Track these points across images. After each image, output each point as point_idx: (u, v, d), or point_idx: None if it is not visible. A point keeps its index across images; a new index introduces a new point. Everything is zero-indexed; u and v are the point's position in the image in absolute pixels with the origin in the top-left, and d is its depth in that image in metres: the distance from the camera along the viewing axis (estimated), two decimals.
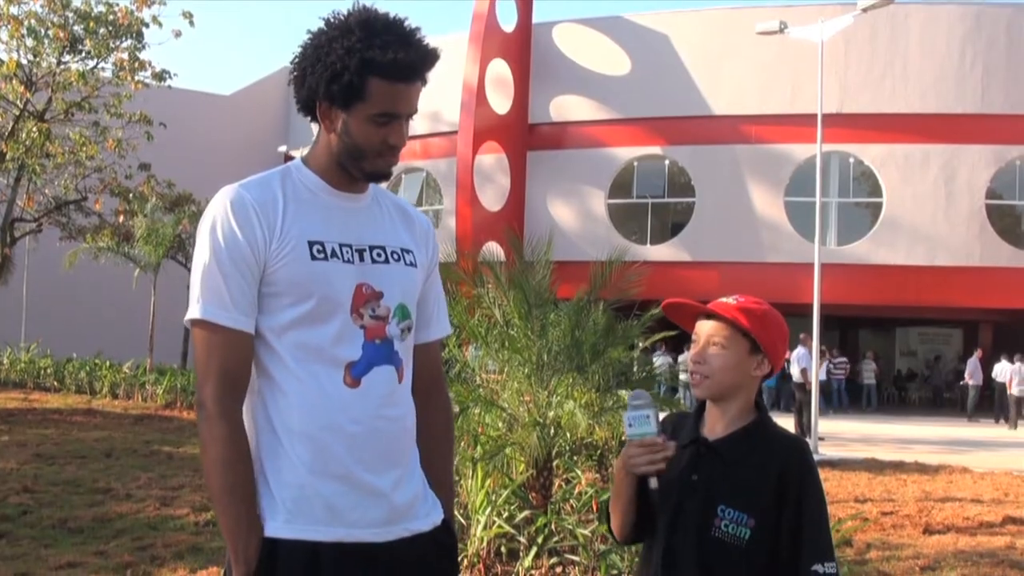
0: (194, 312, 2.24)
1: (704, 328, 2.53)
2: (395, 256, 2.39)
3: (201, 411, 2.20)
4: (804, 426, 18.37)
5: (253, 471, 2.23)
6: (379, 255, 2.36)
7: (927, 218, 26.68)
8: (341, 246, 2.30)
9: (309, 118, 2.36)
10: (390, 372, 2.33)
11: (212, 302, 2.22)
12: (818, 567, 2.36)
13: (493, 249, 20.69)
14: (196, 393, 2.24)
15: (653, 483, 2.43)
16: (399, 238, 2.43)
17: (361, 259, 2.32)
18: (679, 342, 22.62)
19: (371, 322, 2.31)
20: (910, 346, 36.74)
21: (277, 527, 2.20)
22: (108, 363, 22.44)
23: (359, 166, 2.32)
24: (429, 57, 2.27)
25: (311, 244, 2.26)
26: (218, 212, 2.24)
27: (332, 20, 2.27)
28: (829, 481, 12.40)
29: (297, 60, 2.30)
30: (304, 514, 2.22)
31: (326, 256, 2.27)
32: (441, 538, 2.43)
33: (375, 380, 2.30)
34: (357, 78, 2.20)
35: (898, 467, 14.45)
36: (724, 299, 2.55)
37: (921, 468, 14.40)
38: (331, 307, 2.26)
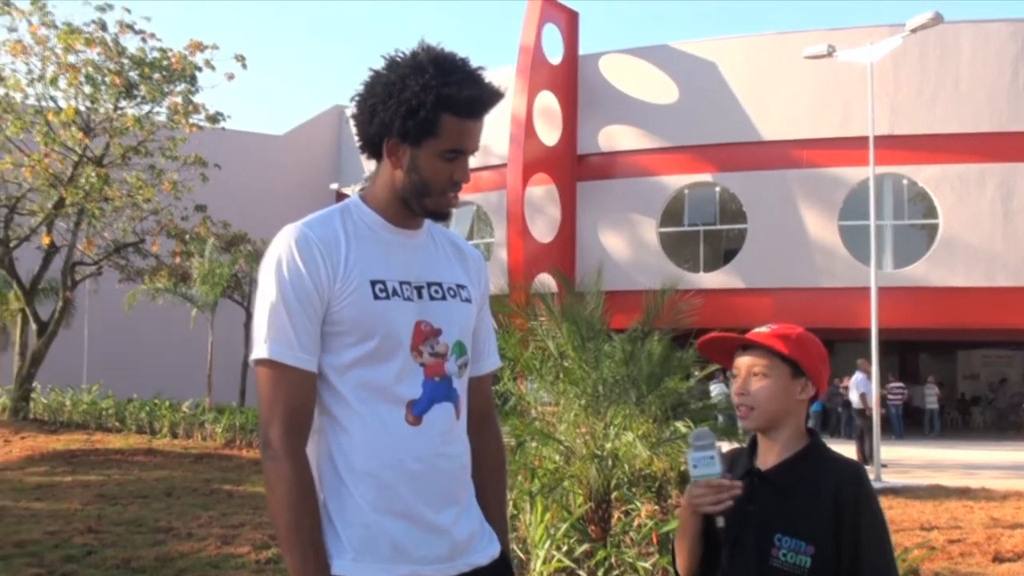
0: (260, 351, 2.23)
1: (743, 360, 2.53)
2: (451, 292, 2.41)
3: (267, 450, 2.21)
4: (866, 453, 18.09)
5: (319, 510, 2.23)
6: (436, 292, 2.37)
7: (985, 238, 26.28)
8: (401, 284, 2.31)
9: (366, 155, 2.38)
10: (449, 409, 2.35)
11: (278, 341, 2.22)
12: None
13: (545, 281, 20.72)
14: (261, 433, 2.23)
15: (720, 522, 2.43)
16: (454, 274, 2.45)
17: (419, 296, 2.34)
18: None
19: (430, 359, 2.32)
20: (972, 369, 36.14)
21: (344, 565, 2.21)
22: (168, 403, 22.66)
23: (422, 203, 2.34)
24: (496, 95, 2.32)
25: (373, 283, 2.28)
26: (283, 250, 2.25)
27: (400, 58, 2.29)
28: (893, 509, 12.19)
29: (363, 97, 2.31)
30: (371, 552, 2.23)
31: (387, 295, 2.28)
32: (499, 570, 2.44)
33: (435, 418, 2.31)
34: (432, 114, 2.23)
35: (964, 493, 14.16)
36: (758, 329, 2.55)
37: (988, 494, 14.10)
38: (393, 345, 2.27)
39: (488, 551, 2.42)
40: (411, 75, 2.23)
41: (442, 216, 2.39)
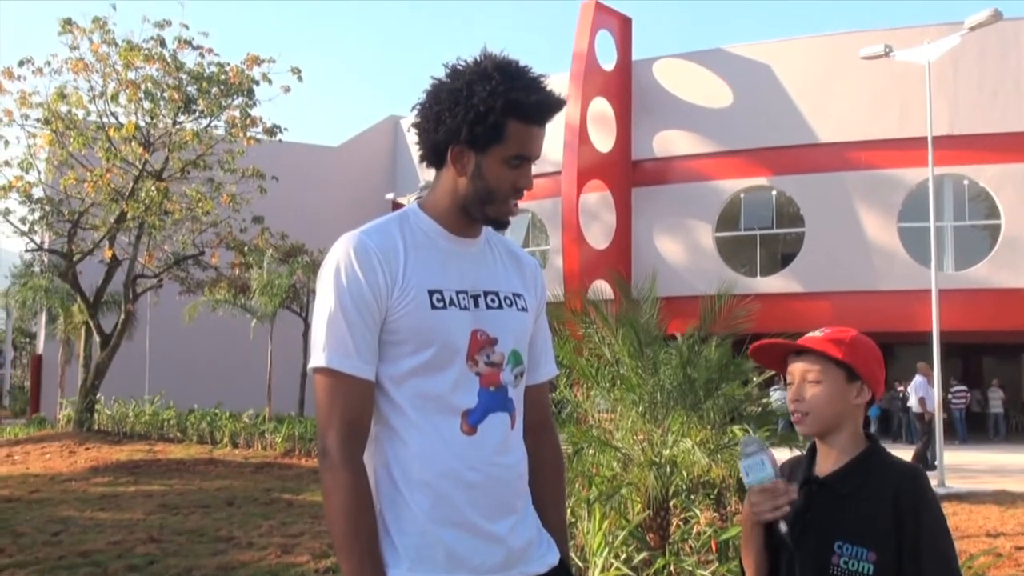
0: (319, 360, 2.23)
1: (797, 366, 2.51)
2: (508, 301, 2.41)
3: (325, 459, 2.21)
4: (927, 458, 17.80)
5: (375, 519, 2.24)
6: (493, 300, 2.38)
7: None
8: (458, 293, 2.32)
9: (426, 165, 2.39)
10: (504, 419, 2.35)
11: (337, 350, 2.22)
12: None
13: (601, 287, 20.65)
14: (319, 441, 2.24)
15: (783, 527, 2.40)
16: (511, 283, 2.45)
17: (476, 305, 2.34)
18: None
19: (486, 369, 2.32)
20: None
21: (401, 574, 2.22)
22: (228, 413, 22.93)
23: (484, 210, 2.34)
24: (560, 102, 2.33)
25: (431, 293, 2.28)
26: (341, 258, 2.25)
27: (464, 66, 2.31)
28: (958, 515, 11.97)
29: (427, 105, 2.32)
30: (426, 561, 2.23)
31: (445, 305, 2.29)
32: None
33: (491, 427, 2.31)
34: (499, 119, 2.24)
35: None
36: (811, 334, 2.52)
37: None
38: (449, 355, 2.27)
39: (547, 559, 2.42)
40: (477, 81, 2.25)
41: (502, 224, 2.40)
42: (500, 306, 2.38)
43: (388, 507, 2.26)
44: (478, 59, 2.30)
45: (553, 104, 2.31)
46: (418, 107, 2.36)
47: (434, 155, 2.35)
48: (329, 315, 2.24)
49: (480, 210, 2.34)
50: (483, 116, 2.24)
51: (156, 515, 11.66)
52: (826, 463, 2.49)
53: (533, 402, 2.52)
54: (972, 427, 28.99)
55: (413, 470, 2.25)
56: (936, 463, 16.54)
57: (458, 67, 2.31)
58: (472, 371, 2.30)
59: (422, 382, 2.26)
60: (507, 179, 2.31)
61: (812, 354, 2.48)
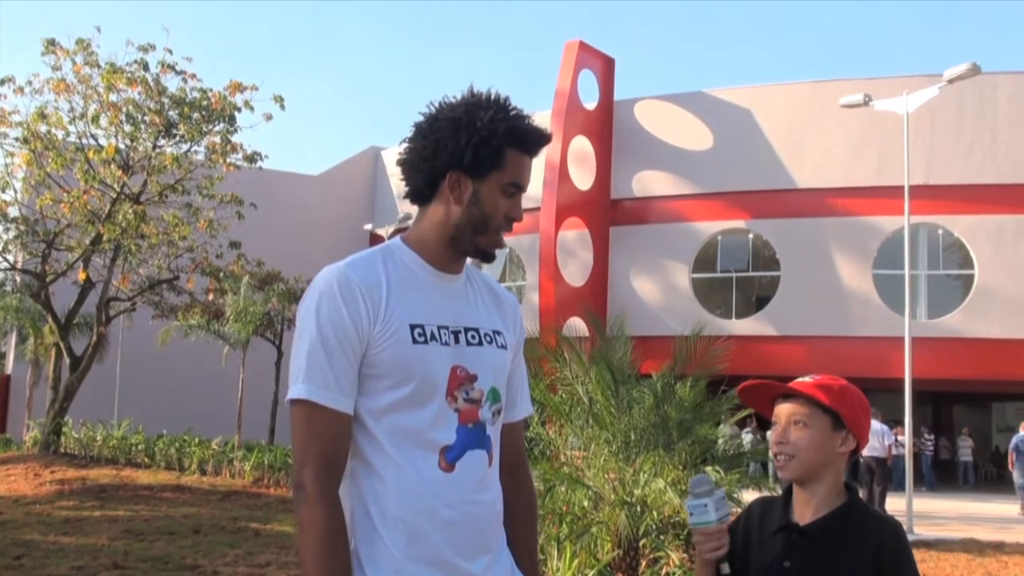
0: (297, 391, 2.21)
1: (784, 409, 2.50)
2: (488, 338, 2.40)
3: (299, 492, 2.18)
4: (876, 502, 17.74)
5: (350, 555, 2.20)
6: (473, 337, 2.37)
7: (1022, 289, 26.00)
8: (439, 328, 2.31)
9: (412, 198, 2.39)
10: (482, 456, 2.33)
11: (315, 382, 2.20)
12: None
13: (576, 325, 20.67)
14: (293, 474, 2.22)
15: (725, 568, 2.44)
16: (491, 320, 2.45)
17: (456, 341, 2.33)
18: (767, 420, 22.22)
19: (465, 405, 2.31)
20: (1008, 422, 35.63)
21: None
22: (197, 439, 22.72)
23: (476, 240, 2.35)
24: (549, 137, 2.41)
25: (412, 327, 2.27)
26: (324, 291, 2.24)
27: (458, 99, 2.34)
28: (926, 563, 11.99)
29: (424, 134, 2.33)
30: None
31: (426, 339, 2.27)
32: None
33: (469, 465, 2.30)
34: (499, 145, 2.28)
35: (999, 548, 13.92)
36: (801, 379, 2.52)
37: (1023, 549, 13.85)
38: (430, 390, 2.26)
39: None
40: (477, 109, 2.29)
41: (490, 256, 2.39)
42: (480, 343, 2.37)
43: (363, 544, 2.23)
44: (472, 91, 2.34)
45: (545, 137, 2.37)
46: (409, 140, 2.36)
47: (428, 185, 2.35)
48: (309, 346, 2.21)
49: (472, 240, 2.34)
50: (486, 140, 2.26)
51: (121, 541, 11.53)
52: (805, 510, 2.48)
53: (508, 441, 2.50)
54: (942, 475, 29.13)
55: (390, 506, 2.22)
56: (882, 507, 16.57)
57: (451, 100, 2.34)
58: (451, 407, 2.28)
59: (401, 417, 2.25)
60: (502, 208, 2.32)
61: (800, 398, 2.48)
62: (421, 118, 2.35)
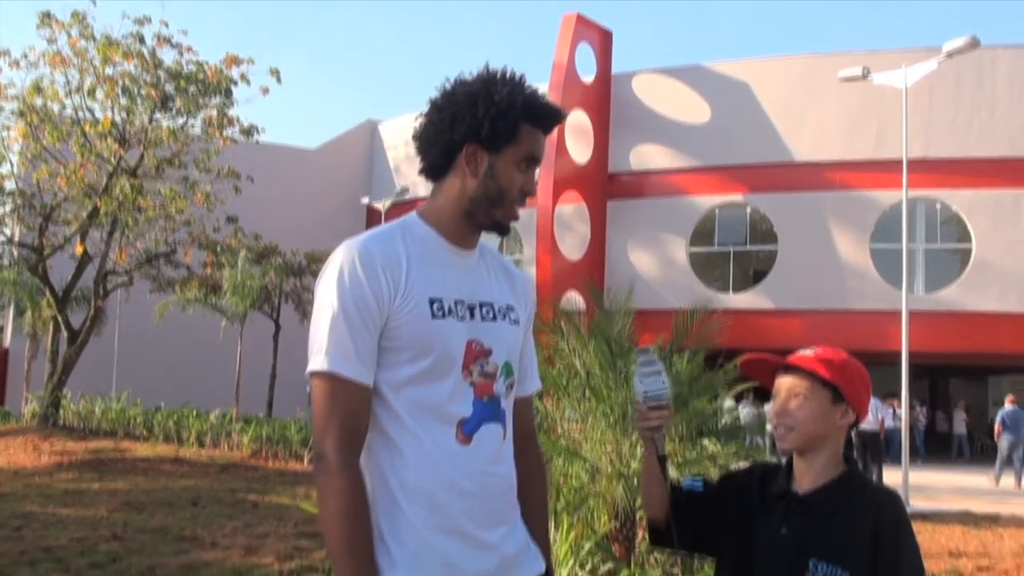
0: (320, 364, 2.23)
1: (784, 381, 2.53)
2: (501, 314, 2.43)
3: (320, 463, 2.20)
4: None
5: (371, 524, 2.23)
6: (488, 312, 2.39)
7: (1020, 263, 26.03)
8: (456, 303, 2.33)
9: (427, 174, 2.42)
10: (497, 429, 2.37)
11: (337, 355, 2.22)
12: None
13: (573, 299, 20.69)
14: (315, 446, 2.23)
15: (661, 441, 2.56)
16: (504, 295, 2.48)
17: (472, 316, 2.35)
18: (765, 392, 22.28)
19: (480, 379, 2.34)
20: (1003, 395, 35.72)
21: None
22: (195, 412, 22.78)
23: (492, 213, 2.38)
24: (563, 115, 2.45)
25: (431, 302, 2.30)
26: (345, 264, 2.26)
27: (471, 76, 2.37)
28: (921, 535, 12.05)
29: (441, 108, 2.36)
30: (422, 569, 2.24)
31: (444, 314, 2.30)
32: None
33: (484, 437, 2.33)
34: (516, 119, 2.31)
35: (994, 520, 14.00)
36: (802, 351, 2.55)
37: (1018, 521, 13.93)
38: (447, 364, 2.29)
39: (535, 568, 2.45)
40: (494, 84, 2.32)
41: (505, 229, 2.42)
42: (494, 318, 2.40)
43: (384, 515, 2.26)
44: (487, 68, 2.37)
45: (560, 114, 2.41)
46: (425, 114, 2.39)
47: (444, 158, 2.37)
48: (331, 320, 2.23)
49: (487, 213, 2.37)
50: (504, 114, 2.29)
51: (120, 513, 11.58)
52: (804, 480, 2.50)
53: (518, 415, 2.53)
54: (936, 447, 29.25)
55: (409, 479, 2.25)
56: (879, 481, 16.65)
57: (466, 77, 2.37)
58: (467, 381, 2.31)
59: (420, 390, 2.27)
60: (517, 181, 2.36)
61: (801, 371, 2.50)
62: (437, 93, 2.38)
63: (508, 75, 2.36)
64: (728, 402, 19.51)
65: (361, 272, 2.24)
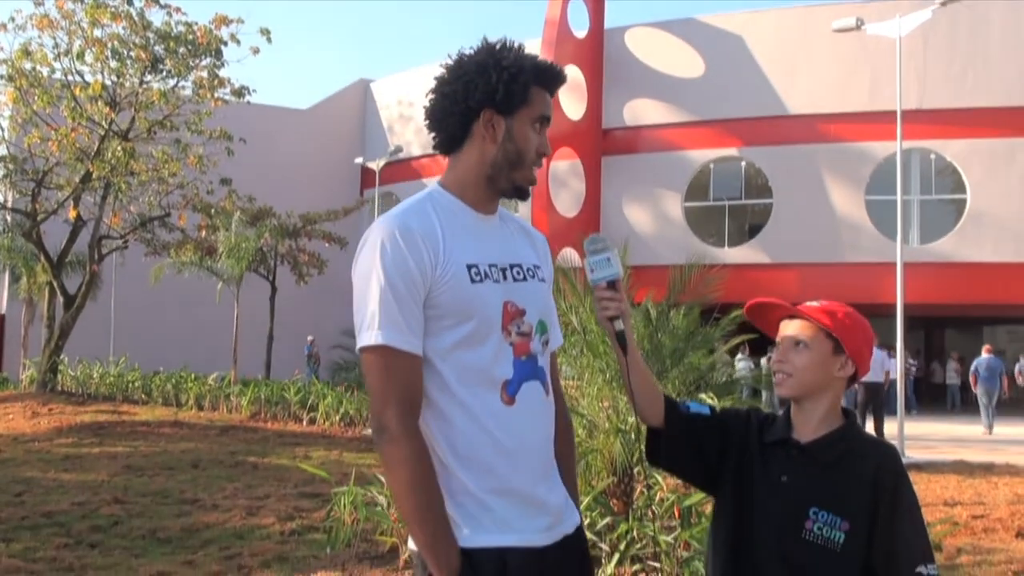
0: (375, 338, 2.29)
1: (787, 328, 2.56)
2: (530, 273, 2.51)
3: (383, 434, 2.27)
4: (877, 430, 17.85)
5: (439, 487, 2.30)
6: (518, 273, 2.47)
7: (1013, 213, 26.01)
8: (491, 266, 2.41)
9: (444, 148, 2.49)
10: (538, 387, 2.44)
11: (390, 328, 2.28)
12: (921, 569, 2.39)
13: (569, 255, 20.68)
14: (374, 419, 2.30)
15: (619, 325, 2.53)
16: (528, 256, 2.55)
17: (504, 277, 2.43)
18: (761, 346, 22.36)
19: (518, 339, 2.41)
20: (998, 345, 35.80)
21: (467, 538, 2.30)
22: (193, 375, 22.83)
23: (511, 176, 2.46)
24: (564, 78, 2.54)
25: (469, 267, 2.37)
26: (387, 240, 2.32)
27: (471, 50, 2.47)
28: (917, 484, 12.05)
29: (452, 79, 2.44)
30: (485, 527, 2.32)
31: (481, 278, 2.38)
32: (579, 539, 2.55)
33: (527, 396, 2.40)
34: (527, 81, 2.41)
35: (988, 469, 14.09)
36: (808, 303, 2.58)
37: (1012, 470, 14.02)
38: (488, 327, 2.36)
39: (573, 520, 2.52)
40: (499, 52, 2.42)
41: (525, 192, 2.50)
42: (524, 278, 2.48)
43: (441, 482, 2.32)
44: (486, 41, 2.47)
45: (563, 76, 2.51)
46: (434, 90, 2.47)
47: (461, 128, 2.44)
48: (380, 294, 2.29)
49: (508, 176, 2.45)
50: (515, 76, 2.38)
51: (120, 476, 11.63)
52: (803, 430, 2.53)
53: None
54: (934, 399, 29.38)
55: (459, 444, 2.33)
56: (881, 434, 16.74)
57: (465, 52, 2.46)
58: (506, 342, 2.39)
59: (465, 355, 2.34)
60: (533, 142, 2.45)
61: (804, 320, 2.53)
62: (442, 70, 2.46)
63: (509, 43, 2.45)
64: (740, 362, 19.58)
65: (403, 245, 2.31)
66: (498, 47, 2.43)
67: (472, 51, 2.45)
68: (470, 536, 2.30)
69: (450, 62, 2.46)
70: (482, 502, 2.32)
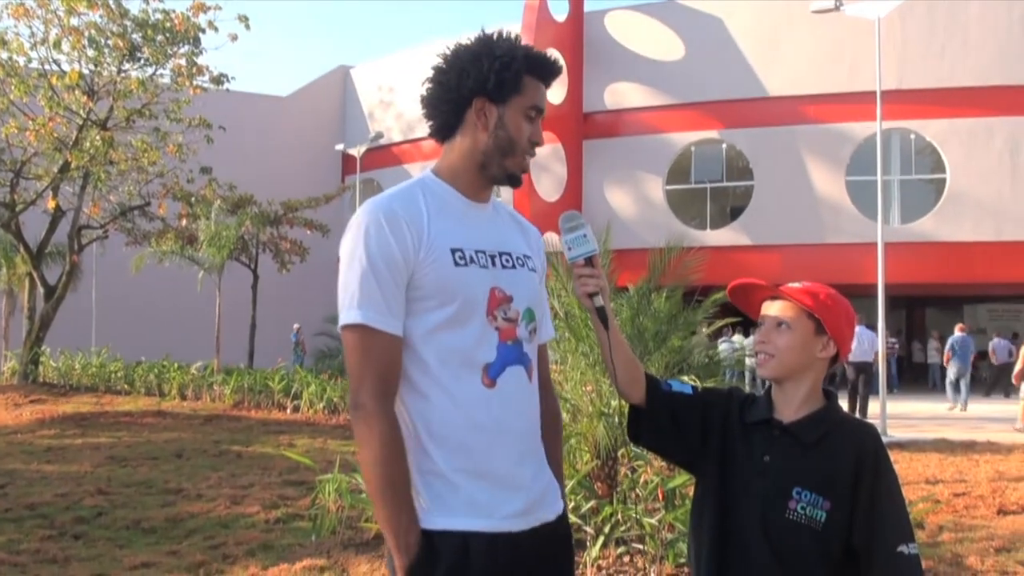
0: (354, 317, 2.33)
1: (770, 309, 2.58)
2: (520, 262, 2.54)
3: (358, 411, 2.31)
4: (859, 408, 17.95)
5: (408, 468, 2.33)
6: (507, 261, 2.50)
7: (993, 192, 26.17)
8: (477, 252, 2.44)
9: (438, 136, 2.52)
10: (521, 372, 2.46)
11: (369, 307, 2.32)
12: (903, 548, 2.39)
13: (551, 239, 20.71)
14: (351, 396, 2.34)
15: (598, 301, 2.51)
16: (519, 245, 2.58)
17: (493, 264, 2.46)
18: (744, 328, 22.43)
19: (504, 324, 2.44)
20: (979, 324, 36.07)
21: (431, 519, 2.32)
22: (176, 365, 22.75)
23: (503, 164, 2.49)
24: (560, 70, 2.56)
25: (453, 251, 2.40)
26: (371, 223, 2.36)
27: (467, 39, 2.49)
28: (899, 463, 12.22)
29: (445, 69, 2.48)
30: (451, 509, 2.34)
31: (466, 262, 2.41)
32: (562, 526, 2.57)
33: (509, 380, 2.43)
34: (519, 70, 2.43)
35: (969, 447, 14.19)
36: (791, 284, 2.60)
37: (993, 448, 14.13)
38: (471, 310, 2.39)
39: (555, 507, 2.54)
40: (495, 41, 2.46)
41: (517, 180, 2.52)
42: (513, 266, 2.51)
43: (412, 461, 2.35)
44: (482, 32, 2.50)
45: (558, 67, 2.53)
46: (430, 80, 2.50)
47: (455, 116, 2.48)
48: (361, 274, 2.33)
49: (500, 164, 2.48)
50: (507, 65, 2.41)
51: (104, 467, 11.60)
52: (785, 410, 2.54)
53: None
54: (915, 378, 29.53)
55: (435, 424, 2.36)
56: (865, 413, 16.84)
57: (460, 44, 2.50)
58: (492, 326, 2.41)
59: (447, 336, 2.37)
60: (525, 131, 2.48)
61: (786, 301, 2.54)
62: (439, 60, 2.50)
63: (505, 33, 2.49)
64: (723, 343, 19.60)
65: (387, 228, 2.35)
66: (493, 37, 2.47)
67: (469, 41, 2.48)
68: (432, 517, 2.32)
69: (447, 52, 2.49)
70: (450, 481, 2.33)
